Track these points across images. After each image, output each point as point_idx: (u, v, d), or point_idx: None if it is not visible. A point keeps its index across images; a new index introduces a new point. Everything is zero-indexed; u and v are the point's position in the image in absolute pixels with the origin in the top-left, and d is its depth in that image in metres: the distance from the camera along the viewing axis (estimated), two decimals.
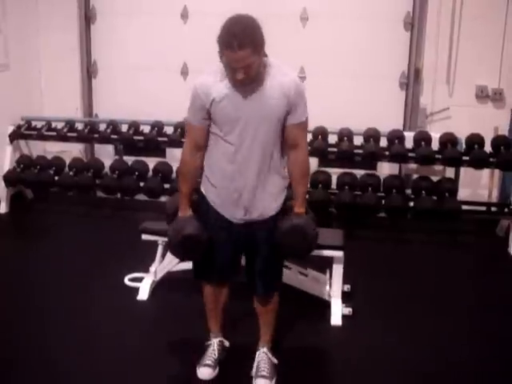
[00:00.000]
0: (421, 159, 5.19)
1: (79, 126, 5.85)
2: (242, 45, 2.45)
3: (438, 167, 5.49)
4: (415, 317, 3.80)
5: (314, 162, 5.63)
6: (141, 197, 5.51)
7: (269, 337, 3.11)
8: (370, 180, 5.27)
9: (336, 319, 3.70)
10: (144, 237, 3.97)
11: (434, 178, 5.30)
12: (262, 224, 2.82)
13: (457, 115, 5.59)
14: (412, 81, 5.73)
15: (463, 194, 5.45)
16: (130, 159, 5.70)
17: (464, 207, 5.13)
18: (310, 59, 5.78)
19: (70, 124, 5.80)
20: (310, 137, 5.38)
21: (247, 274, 2.97)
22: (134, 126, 5.67)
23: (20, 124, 5.86)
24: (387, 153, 5.24)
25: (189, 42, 5.86)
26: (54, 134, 5.77)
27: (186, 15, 5.93)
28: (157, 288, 4.04)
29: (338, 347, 3.46)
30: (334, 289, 3.80)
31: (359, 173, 5.37)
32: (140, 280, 4.06)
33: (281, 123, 2.69)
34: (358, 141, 5.35)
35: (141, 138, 5.60)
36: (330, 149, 5.29)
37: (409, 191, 5.27)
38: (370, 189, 5.20)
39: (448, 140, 5.20)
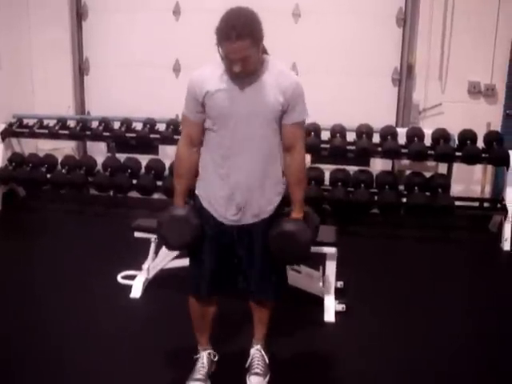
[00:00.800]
0: (413, 155, 5.20)
1: (71, 124, 5.84)
2: (240, 36, 2.40)
3: (431, 163, 5.50)
4: (408, 313, 3.80)
5: (306, 159, 5.63)
6: (133, 194, 5.50)
7: (262, 334, 3.09)
8: (363, 176, 5.28)
9: (329, 316, 3.70)
10: (137, 234, 3.96)
11: (427, 174, 5.31)
12: (256, 227, 2.74)
13: (449, 111, 5.60)
14: (404, 77, 5.73)
15: (456, 189, 5.47)
16: (122, 156, 5.69)
17: (457, 203, 5.15)
18: (303, 55, 5.77)
19: (62, 121, 5.78)
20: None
21: (244, 280, 2.87)
22: (127, 123, 5.65)
23: (11, 122, 5.84)
24: (380, 149, 5.25)
25: (181, 38, 5.84)
26: (46, 131, 5.75)
27: (179, 12, 5.91)
28: (150, 286, 4.02)
29: (331, 344, 3.45)
30: (327, 285, 3.80)
31: (352, 169, 5.37)
32: (133, 278, 4.05)
33: (277, 122, 2.63)
34: (350, 137, 5.36)
35: (133, 135, 5.59)
36: (322, 145, 5.30)
37: (401, 187, 5.28)
38: (362, 185, 5.20)
39: (440, 136, 5.22)
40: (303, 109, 2.67)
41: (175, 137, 5.28)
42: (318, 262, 3.86)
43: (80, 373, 3.10)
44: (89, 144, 6.27)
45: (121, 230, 4.34)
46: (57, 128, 5.72)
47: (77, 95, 6.28)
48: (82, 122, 5.80)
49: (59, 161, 5.74)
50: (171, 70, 6.00)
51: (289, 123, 2.64)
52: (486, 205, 5.57)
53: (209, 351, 3.03)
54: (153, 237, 3.92)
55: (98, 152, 6.06)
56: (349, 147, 5.25)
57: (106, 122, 5.72)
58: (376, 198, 5.19)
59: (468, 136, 5.18)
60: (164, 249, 3.86)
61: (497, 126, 5.49)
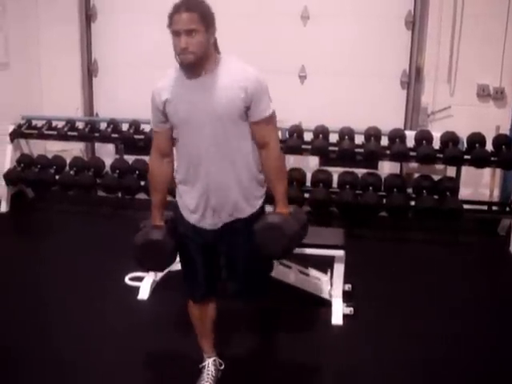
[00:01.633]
0: (422, 158, 5.18)
1: (80, 125, 5.85)
2: (189, 8, 2.43)
3: (439, 166, 5.47)
4: (416, 316, 3.79)
5: (314, 161, 5.64)
6: (141, 196, 5.50)
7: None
8: (371, 179, 5.27)
9: (337, 318, 3.69)
10: None
11: (435, 177, 5.29)
12: (234, 227, 2.70)
13: (458, 114, 5.57)
14: (413, 80, 5.71)
15: (464, 193, 5.44)
16: (130, 158, 5.70)
17: (465, 206, 5.12)
18: (311, 58, 5.78)
19: (71, 123, 5.80)
20: (311, 136, 5.39)
21: (229, 279, 2.86)
22: (135, 124, 5.66)
23: (20, 123, 5.85)
24: (388, 152, 5.23)
25: None
26: (55, 133, 5.77)
27: None
28: (157, 287, 4.03)
29: (339, 347, 3.45)
30: (335, 288, 3.79)
31: (360, 172, 5.36)
32: (140, 279, 4.06)
33: (243, 120, 2.56)
34: (359, 140, 5.34)
35: (141, 136, 5.59)
36: (330, 148, 5.28)
37: (410, 190, 5.27)
38: (370, 188, 5.19)
39: (449, 139, 5.20)
40: (267, 103, 2.58)
41: None
42: (326, 264, 3.87)
43: (86, 372, 3.11)
44: (97, 145, 6.27)
45: (129, 231, 4.33)
46: (65, 129, 5.73)
47: (85, 97, 6.29)
48: (90, 124, 5.81)
49: (67, 162, 5.75)
50: None
51: (255, 120, 2.58)
52: (494, 208, 5.54)
53: (214, 358, 3.02)
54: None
55: (107, 153, 6.07)
56: (357, 150, 5.23)
57: (114, 124, 5.73)
58: (384, 200, 5.18)
59: (477, 139, 5.15)
60: None
61: (506, 130, 5.45)
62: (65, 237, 5.03)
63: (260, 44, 5.69)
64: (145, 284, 4.00)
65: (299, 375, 3.17)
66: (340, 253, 3.71)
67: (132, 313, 3.76)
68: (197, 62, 2.49)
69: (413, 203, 5.18)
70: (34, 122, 5.89)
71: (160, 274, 4.04)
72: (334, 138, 5.38)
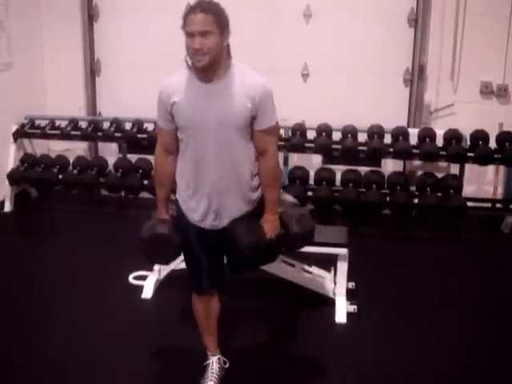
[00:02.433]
0: (425, 156, 5.18)
1: (83, 125, 5.85)
2: (204, 10, 2.44)
3: (443, 164, 5.47)
4: (420, 314, 3.79)
5: (318, 159, 5.64)
6: (145, 195, 5.50)
7: None
8: (375, 177, 5.26)
9: (340, 317, 3.69)
10: None
11: (439, 175, 5.29)
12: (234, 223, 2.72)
13: (461, 111, 5.56)
14: (416, 77, 5.70)
15: (468, 190, 5.43)
16: (133, 157, 5.70)
17: (469, 204, 5.12)
18: (314, 56, 5.78)
19: (74, 122, 5.80)
20: (314, 134, 5.39)
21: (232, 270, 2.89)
22: (138, 123, 5.66)
23: (24, 123, 5.86)
24: (391, 149, 5.23)
25: None
26: (58, 132, 5.77)
27: None
28: (161, 286, 4.03)
29: (343, 345, 3.45)
30: (338, 286, 3.79)
31: (363, 170, 5.36)
32: (144, 278, 4.07)
33: (247, 128, 2.59)
34: (362, 138, 5.34)
35: (145, 135, 5.59)
36: (333, 146, 5.28)
37: (413, 188, 5.26)
38: (374, 186, 5.19)
39: (452, 136, 5.19)
40: (273, 114, 2.62)
41: None
42: (330, 262, 3.87)
43: (90, 371, 3.12)
44: (100, 145, 6.28)
45: (132, 230, 4.33)
46: (68, 129, 5.74)
47: (88, 96, 6.29)
48: (93, 123, 5.81)
49: (71, 161, 5.76)
50: None
51: (259, 129, 2.60)
52: (498, 206, 5.53)
53: (218, 356, 3.02)
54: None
55: (110, 153, 6.08)
56: (360, 148, 5.23)
57: (117, 123, 5.73)
58: (387, 198, 5.17)
59: (480, 136, 5.15)
60: None
61: (509, 127, 5.43)
62: (68, 236, 5.04)
63: (263, 42, 5.69)
64: (148, 283, 4.00)
65: (303, 373, 3.17)
66: (343, 251, 3.71)
67: (136, 311, 3.77)
68: (209, 65, 2.50)
69: (416, 201, 5.18)
70: (37, 122, 5.90)
71: (164, 273, 4.04)
72: (337, 136, 5.38)
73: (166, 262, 2.91)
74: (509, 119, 5.49)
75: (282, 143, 5.26)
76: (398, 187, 5.17)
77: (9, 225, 5.47)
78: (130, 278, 4.14)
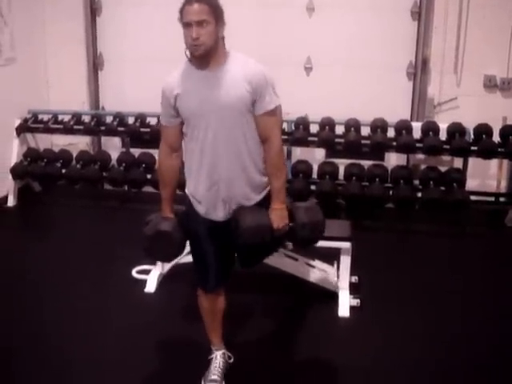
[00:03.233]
0: (428, 149, 5.17)
1: (86, 119, 5.85)
2: (199, 0, 2.52)
3: (446, 157, 5.46)
4: (423, 308, 3.79)
5: (321, 153, 5.63)
6: (148, 189, 5.51)
7: None
8: (378, 171, 5.26)
9: (344, 310, 3.69)
10: None
11: (442, 169, 5.28)
12: None
13: (465, 105, 5.55)
14: (419, 71, 5.69)
15: (471, 184, 5.42)
16: (136, 151, 5.71)
17: (472, 198, 5.11)
18: (317, 50, 5.77)
19: (77, 117, 5.81)
20: (317, 127, 5.38)
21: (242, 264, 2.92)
22: (141, 118, 5.67)
23: (27, 117, 5.86)
24: (395, 143, 5.22)
25: None
26: (61, 126, 5.78)
27: None
28: (164, 280, 4.04)
29: (346, 339, 3.45)
30: (341, 280, 3.79)
31: (367, 163, 5.35)
32: (147, 272, 4.07)
33: (250, 113, 2.62)
34: (365, 131, 5.33)
35: (147, 130, 5.59)
36: (337, 139, 5.28)
37: (416, 182, 5.25)
38: (377, 180, 5.18)
39: (456, 130, 5.18)
40: (272, 96, 2.63)
41: None
42: (333, 256, 3.86)
43: (94, 365, 3.13)
44: (103, 139, 6.28)
45: (135, 224, 4.34)
46: (71, 123, 5.74)
47: (91, 90, 6.28)
48: (96, 118, 5.82)
49: (74, 156, 5.77)
50: None
51: (260, 113, 2.62)
52: (501, 199, 5.53)
53: (223, 351, 3.02)
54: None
55: (113, 147, 6.08)
56: (363, 141, 5.23)
57: (120, 117, 5.73)
58: (391, 192, 5.16)
59: (484, 130, 5.14)
60: None
61: None
62: (71, 230, 5.04)
63: (266, 36, 5.68)
64: (152, 277, 4.00)
65: (306, 367, 3.17)
66: (347, 245, 3.71)
67: (139, 305, 3.77)
68: (207, 53, 2.56)
69: (419, 195, 5.17)
70: (40, 116, 5.91)
71: (167, 267, 4.05)
72: (340, 129, 5.37)
73: (169, 260, 2.93)
74: None
75: (286, 137, 5.25)
76: (402, 181, 5.16)
77: (12, 219, 5.49)
78: (134, 272, 4.14)
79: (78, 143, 6.14)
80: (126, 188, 5.66)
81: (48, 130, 5.86)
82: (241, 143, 2.64)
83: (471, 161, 5.33)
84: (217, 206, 2.71)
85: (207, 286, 2.87)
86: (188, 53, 2.62)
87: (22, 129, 5.81)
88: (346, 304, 3.72)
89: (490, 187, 5.65)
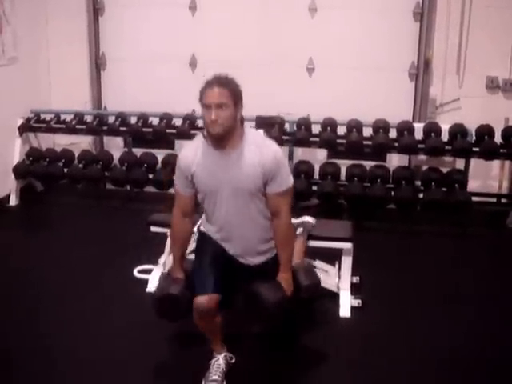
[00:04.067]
0: (430, 150, 5.17)
1: (88, 119, 5.86)
2: (220, 84, 2.67)
3: (448, 158, 5.46)
4: (424, 309, 3.79)
5: (323, 154, 5.64)
6: (150, 189, 5.52)
7: None
8: (380, 171, 5.26)
9: (345, 311, 3.70)
10: (153, 229, 3.98)
11: (444, 170, 5.28)
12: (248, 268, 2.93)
13: (467, 106, 5.55)
14: (421, 71, 5.69)
15: (473, 185, 5.43)
16: (138, 151, 5.72)
17: (474, 199, 5.12)
18: (319, 50, 5.77)
19: (79, 116, 5.81)
20: (319, 128, 5.39)
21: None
22: (143, 118, 5.67)
23: (29, 117, 5.87)
24: (396, 144, 5.22)
25: (197, 33, 5.84)
26: (63, 126, 5.79)
27: (195, 7, 5.90)
28: None
29: (347, 339, 3.45)
30: (342, 280, 3.80)
31: (368, 164, 5.35)
32: (149, 272, 4.07)
33: (261, 191, 2.78)
34: (367, 132, 5.33)
35: (149, 130, 5.60)
36: (339, 140, 5.28)
37: (418, 183, 5.25)
38: (379, 180, 5.18)
39: (458, 131, 5.18)
40: (284, 178, 2.80)
41: (191, 132, 5.30)
42: (334, 257, 3.87)
43: (94, 364, 3.13)
44: (105, 139, 6.29)
45: (137, 224, 4.36)
46: (74, 123, 5.75)
47: (93, 90, 6.29)
48: (98, 117, 5.82)
49: (76, 155, 5.78)
50: (187, 64, 6.00)
51: (271, 193, 2.78)
52: (503, 201, 5.53)
53: (224, 354, 3.03)
54: (169, 231, 3.93)
55: (115, 147, 6.09)
56: (365, 142, 5.23)
57: (122, 117, 5.74)
58: (392, 193, 5.17)
59: (485, 131, 5.14)
60: None
61: None
62: (73, 230, 5.05)
63: (268, 36, 5.69)
64: (153, 277, 4.00)
65: (307, 367, 3.17)
66: (348, 245, 3.71)
67: (140, 305, 3.76)
68: (224, 134, 2.71)
69: (421, 196, 5.17)
70: (42, 116, 5.92)
71: (168, 267, 4.04)
72: (342, 130, 5.37)
73: (176, 320, 2.99)
74: None
75: (287, 137, 5.26)
76: (403, 182, 5.16)
77: (14, 218, 5.49)
78: (135, 272, 4.15)
79: (80, 143, 6.15)
80: (128, 188, 5.67)
81: (50, 130, 5.87)
82: (251, 217, 2.82)
83: (473, 162, 5.33)
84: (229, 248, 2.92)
85: (203, 287, 2.81)
86: (205, 132, 2.76)
87: (25, 128, 5.82)
88: (347, 304, 3.72)
89: (492, 188, 5.65)
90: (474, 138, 5.21)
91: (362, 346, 3.35)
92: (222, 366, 2.99)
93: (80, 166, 5.67)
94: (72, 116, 5.82)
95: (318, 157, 5.68)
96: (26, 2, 5.77)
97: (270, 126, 5.23)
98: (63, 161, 5.70)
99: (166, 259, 4.04)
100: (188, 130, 5.41)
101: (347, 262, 3.76)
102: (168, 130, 5.55)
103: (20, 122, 5.79)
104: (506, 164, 5.58)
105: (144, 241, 4.23)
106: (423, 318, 3.66)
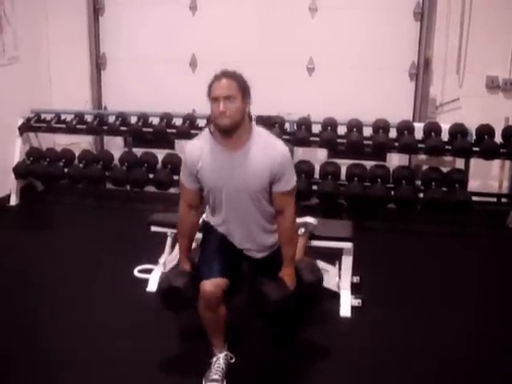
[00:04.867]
0: (430, 150, 5.17)
1: (88, 118, 5.86)
2: (228, 77, 2.69)
3: (448, 158, 5.46)
4: (425, 308, 3.79)
5: (323, 154, 5.64)
6: (150, 188, 5.52)
7: None
8: (380, 171, 5.26)
9: (345, 310, 3.69)
10: (153, 228, 3.98)
11: (444, 169, 5.28)
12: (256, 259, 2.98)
13: (467, 106, 5.55)
14: (422, 71, 5.69)
15: (473, 185, 5.43)
16: (139, 151, 5.72)
17: (474, 198, 5.11)
18: (319, 50, 5.77)
19: (79, 116, 5.82)
20: (319, 128, 5.39)
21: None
22: (143, 117, 5.67)
23: (29, 116, 5.87)
24: (397, 144, 5.22)
25: (197, 33, 5.84)
26: (64, 126, 5.79)
27: (195, 7, 5.90)
28: None
29: (347, 339, 3.45)
30: (343, 280, 3.80)
31: (369, 164, 5.36)
32: (149, 271, 4.07)
33: (267, 190, 2.80)
34: (367, 132, 5.34)
35: (150, 129, 5.61)
36: (339, 140, 5.28)
37: (418, 182, 5.26)
38: (379, 180, 5.18)
39: (458, 131, 5.18)
40: (290, 178, 2.83)
41: (192, 131, 5.30)
42: (335, 256, 3.87)
43: (95, 363, 3.13)
44: (106, 139, 6.29)
45: (137, 224, 4.36)
46: (74, 123, 5.75)
47: (94, 90, 6.30)
48: (99, 117, 5.82)
49: (76, 155, 5.78)
50: (188, 64, 6.00)
51: (277, 192, 2.81)
52: (503, 200, 5.53)
53: (225, 353, 3.02)
54: (169, 231, 3.94)
55: (115, 146, 6.10)
56: (365, 142, 5.23)
57: (122, 117, 5.74)
58: (392, 193, 5.17)
59: (486, 131, 5.14)
60: None
61: None
62: (73, 229, 5.05)
63: (268, 36, 5.70)
64: (154, 276, 4.00)
65: (307, 367, 3.17)
66: (348, 245, 3.71)
67: (141, 305, 3.77)
68: (232, 128, 2.70)
69: (421, 195, 5.18)
70: (42, 116, 5.92)
71: (169, 267, 4.05)
72: (342, 130, 5.38)
73: (178, 311, 3.07)
74: None
75: (288, 137, 5.26)
76: (403, 181, 5.17)
77: (14, 218, 5.50)
78: (135, 272, 4.15)
79: (81, 142, 6.15)
80: (129, 187, 5.67)
81: (51, 130, 5.87)
82: (255, 214, 2.85)
83: (473, 161, 5.34)
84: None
85: (210, 272, 2.81)
86: (212, 128, 2.77)
87: (25, 128, 5.82)
88: (347, 304, 3.71)
89: (492, 188, 5.65)
90: (474, 137, 5.21)
91: (362, 346, 3.35)
92: (222, 366, 2.98)
93: (80, 165, 5.67)
94: (72, 116, 5.82)
95: (318, 156, 5.68)
96: (27, 2, 5.78)
97: (270, 125, 5.23)
98: (63, 161, 5.70)
99: (167, 259, 4.05)
100: (188, 129, 5.41)
101: (347, 261, 3.76)
102: (168, 130, 5.56)
103: (20, 121, 5.80)
104: (506, 164, 5.58)
105: (144, 240, 4.23)
106: (423, 318, 3.66)
